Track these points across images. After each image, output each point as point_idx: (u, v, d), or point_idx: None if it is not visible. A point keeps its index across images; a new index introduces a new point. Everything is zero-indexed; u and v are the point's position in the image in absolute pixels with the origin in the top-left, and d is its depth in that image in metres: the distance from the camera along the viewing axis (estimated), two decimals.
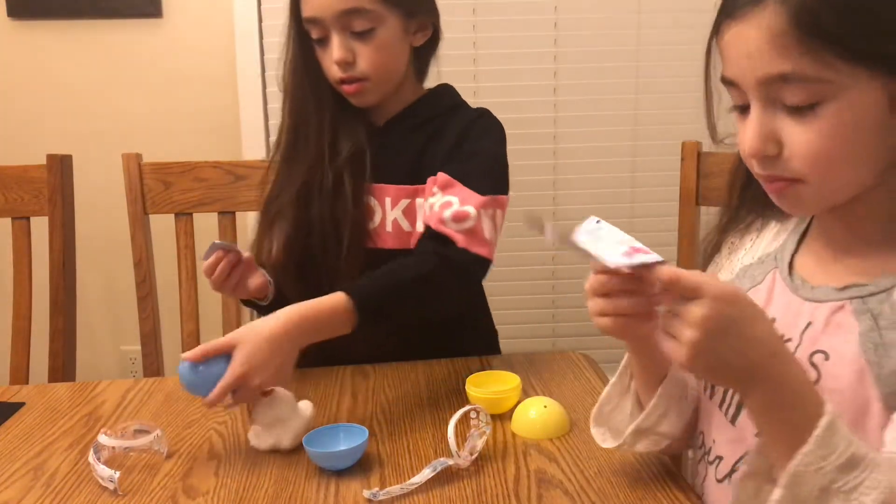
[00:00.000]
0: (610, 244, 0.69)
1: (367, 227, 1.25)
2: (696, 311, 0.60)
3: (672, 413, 0.84)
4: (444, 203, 1.15)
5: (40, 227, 1.47)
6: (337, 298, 1.03)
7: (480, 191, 1.15)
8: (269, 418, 0.97)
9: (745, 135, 0.68)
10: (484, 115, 1.28)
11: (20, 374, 1.44)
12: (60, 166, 1.45)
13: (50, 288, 1.46)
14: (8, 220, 1.47)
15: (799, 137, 0.65)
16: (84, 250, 1.61)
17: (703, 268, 0.90)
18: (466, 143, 1.23)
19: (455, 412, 0.94)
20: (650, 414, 0.84)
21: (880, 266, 0.69)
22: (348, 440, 0.94)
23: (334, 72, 1.21)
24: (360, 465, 0.92)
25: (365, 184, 1.24)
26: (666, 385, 0.83)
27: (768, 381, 0.61)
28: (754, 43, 0.64)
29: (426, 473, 0.88)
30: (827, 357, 0.70)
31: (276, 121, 2.28)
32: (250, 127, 2.32)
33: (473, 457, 0.91)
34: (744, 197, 0.83)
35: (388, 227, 1.25)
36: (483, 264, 1.16)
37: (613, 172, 2.29)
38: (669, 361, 0.80)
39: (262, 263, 1.26)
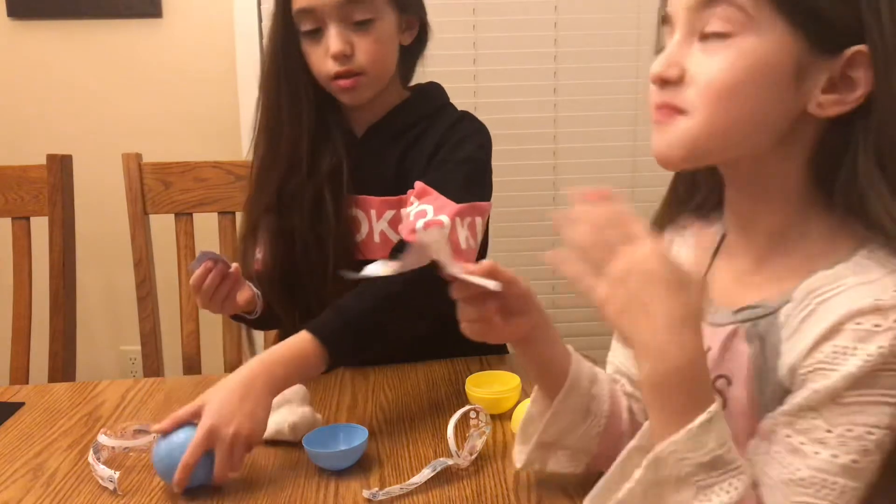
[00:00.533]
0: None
1: (354, 240, 1.22)
2: (638, 250, 0.60)
3: (580, 426, 0.81)
4: (418, 212, 1.11)
5: (40, 227, 1.47)
6: (303, 341, 0.97)
7: (457, 198, 1.11)
8: (278, 402, 0.97)
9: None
10: (464, 119, 1.24)
11: (20, 373, 1.44)
12: (60, 166, 1.45)
13: (50, 288, 1.46)
14: (8, 220, 1.47)
15: (703, 65, 0.64)
16: (84, 250, 1.61)
17: None
18: (444, 149, 1.19)
19: (455, 412, 0.94)
20: (549, 425, 0.81)
21: (775, 286, 0.68)
22: (348, 440, 0.94)
23: (329, 66, 1.14)
24: (360, 465, 0.92)
25: (347, 197, 1.20)
26: (565, 397, 0.79)
27: (677, 354, 0.59)
28: None
29: (426, 473, 0.88)
30: (728, 382, 0.70)
31: None
32: (250, 127, 2.29)
33: (473, 457, 0.91)
34: (672, 201, 0.82)
35: (377, 239, 1.23)
36: None
37: (613, 172, 2.29)
38: (565, 371, 0.79)
39: (249, 276, 1.22)
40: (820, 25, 0.61)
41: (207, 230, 1.55)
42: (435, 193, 1.12)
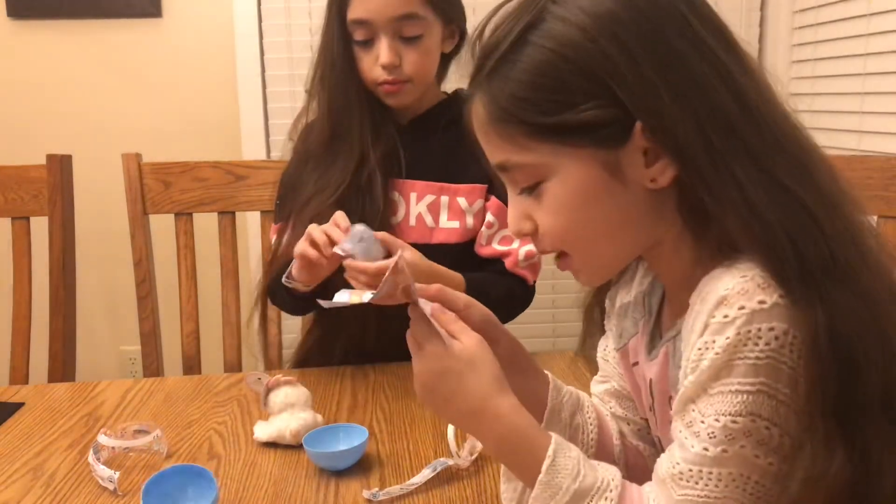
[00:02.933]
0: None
1: (391, 222, 1.27)
2: (416, 366, 0.70)
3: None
4: (503, 238, 1.28)
5: (40, 227, 1.47)
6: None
7: None
8: (281, 405, 0.98)
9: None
10: None
11: (20, 374, 1.44)
12: (60, 166, 1.45)
13: (50, 288, 1.46)
14: (8, 220, 1.47)
15: (539, 217, 0.67)
16: (84, 250, 1.61)
17: (588, 327, 0.87)
18: None
19: None
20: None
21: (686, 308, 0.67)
22: (348, 440, 0.94)
23: (377, 73, 1.23)
24: (360, 466, 0.92)
25: (391, 180, 1.27)
26: (547, 422, 0.78)
27: (485, 429, 0.67)
28: (479, 138, 0.69)
29: (426, 474, 0.88)
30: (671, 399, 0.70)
31: (276, 121, 2.30)
32: (250, 127, 2.32)
33: (473, 457, 0.91)
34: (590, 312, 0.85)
35: (412, 222, 1.29)
36: (533, 291, 1.33)
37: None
38: (544, 402, 0.79)
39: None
40: (596, 132, 0.62)
41: (207, 230, 1.55)
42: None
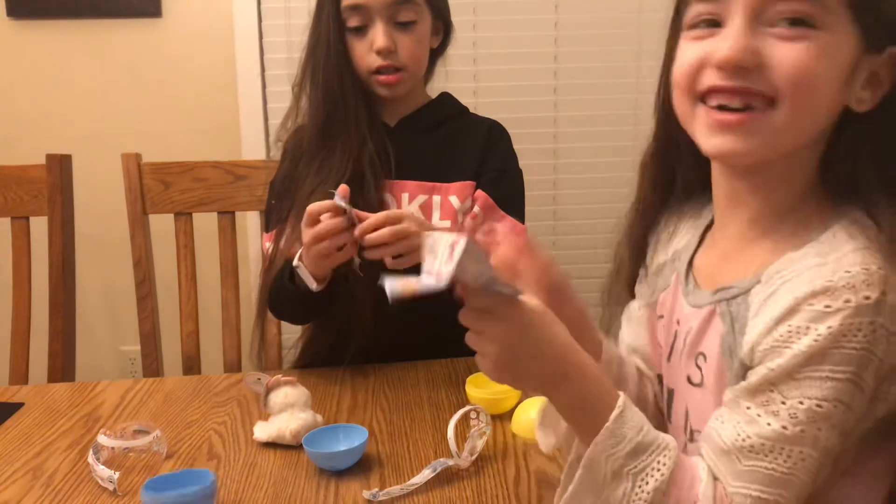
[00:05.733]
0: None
1: None
2: (494, 328, 0.64)
3: None
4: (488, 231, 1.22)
5: (40, 227, 1.47)
6: None
7: (521, 218, 1.31)
8: (281, 405, 0.99)
9: (717, 45, 0.66)
10: (503, 128, 1.37)
11: (19, 374, 1.44)
12: (60, 166, 1.45)
13: (49, 288, 1.45)
14: (7, 220, 1.47)
15: (787, 53, 0.64)
16: (84, 250, 1.61)
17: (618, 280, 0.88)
18: (494, 158, 1.31)
19: (455, 412, 0.94)
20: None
21: (750, 267, 0.70)
22: (348, 440, 0.94)
23: (371, 60, 1.23)
24: (360, 466, 0.92)
25: (382, 180, 1.27)
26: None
27: (564, 383, 0.66)
28: None
29: (426, 474, 0.88)
30: (705, 359, 0.73)
31: (275, 121, 2.28)
32: (250, 127, 2.32)
33: (473, 457, 0.91)
34: (655, 188, 0.83)
35: None
36: None
37: (613, 172, 2.29)
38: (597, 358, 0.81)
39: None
40: (879, 25, 0.64)
41: (207, 230, 1.55)
42: (501, 212, 1.28)
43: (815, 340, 0.60)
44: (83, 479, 0.92)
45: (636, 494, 0.64)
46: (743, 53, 0.64)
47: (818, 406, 0.61)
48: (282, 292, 1.21)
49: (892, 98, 0.64)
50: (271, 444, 0.98)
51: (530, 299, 0.66)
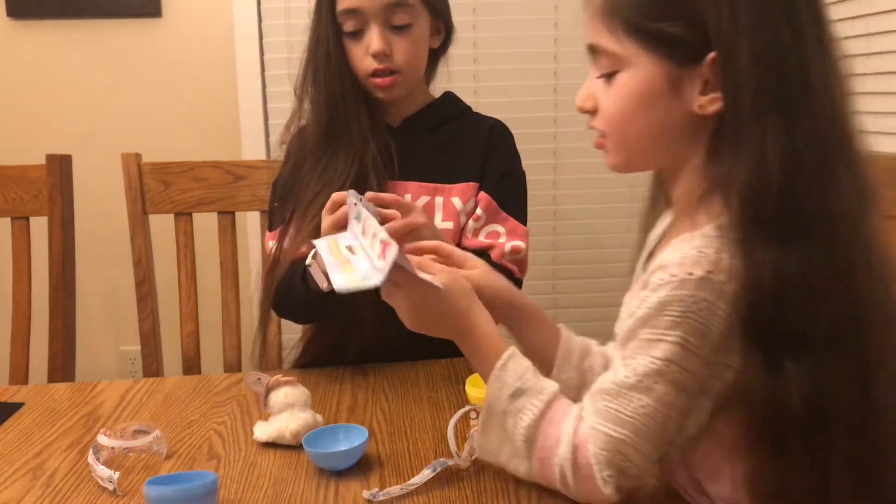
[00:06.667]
0: (370, 240, 0.87)
1: None
2: (402, 299, 0.84)
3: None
4: (490, 232, 1.30)
5: (40, 227, 1.47)
6: None
7: (522, 220, 1.32)
8: (281, 405, 0.99)
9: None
10: (505, 128, 1.37)
11: (19, 374, 1.44)
12: (60, 166, 1.45)
13: (49, 288, 1.46)
14: (8, 220, 1.47)
15: (603, 99, 0.80)
16: (84, 250, 1.61)
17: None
18: (496, 159, 1.31)
19: (455, 412, 0.94)
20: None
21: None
22: (348, 440, 0.94)
23: (367, 63, 1.23)
24: (360, 466, 0.92)
25: (386, 181, 1.27)
26: (558, 372, 0.92)
27: (463, 338, 0.85)
28: (588, 21, 0.81)
29: (426, 474, 0.88)
30: None
31: (275, 121, 2.30)
32: (250, 127, 2.32)
33: (473, 457, 0.91)
34: (651, 191, 0.93)
35: None
36: (521, 285, 1.32)
37: (613, 172, 2.29)
38: (554, 353, 0.94)
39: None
40: (676, 49, 0.74)
41: (207, 230, 1.55)
42: (503, 214, 1.30)
43: (650, 307, 0.73)
44: (83, 479, 0.92)
45: (517, 428, 0.80)
46: (582, 101, 0.82)
47: (651, 363, 0.73)
48: (291, 293, 1.21)
49: (726, 100, 0.72)
50: (271, 444, 0.98)
51: (440, 282, 0.83)
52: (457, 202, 1.29)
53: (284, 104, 2.27)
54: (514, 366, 0.82)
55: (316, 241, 0.98)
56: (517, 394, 0.80)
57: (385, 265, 0.79)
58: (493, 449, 0.84)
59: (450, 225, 1.29)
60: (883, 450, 0.74)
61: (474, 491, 0.87)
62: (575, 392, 0.87)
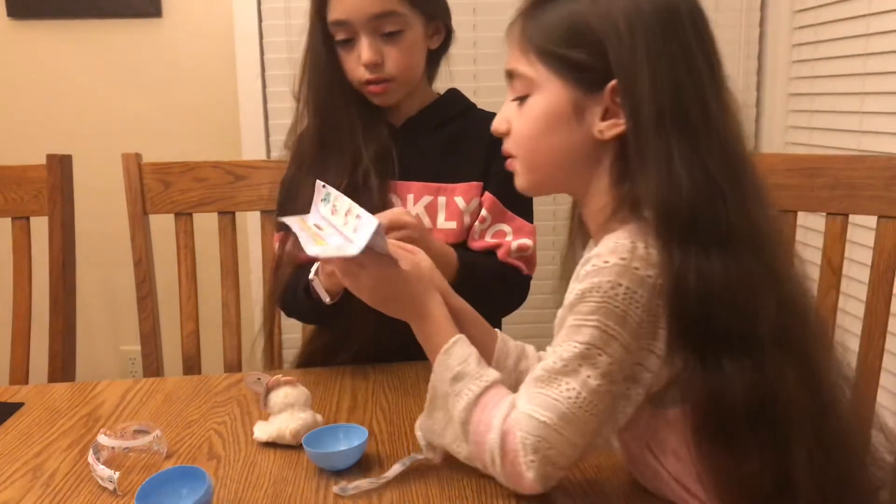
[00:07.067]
0: (342, 218, 0.91)
1: None
2: (363, 279, 0.89)
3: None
4: (497, 232, 1.30)
5: (40, 227, 1.47)
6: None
7: (529, 217, 1.31)
8: (281, 405, 0.99)
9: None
10: None
11: (19, 374, 1.44)
12: (60, 166, 1.45)
13: (50, 288, 1.46)
14: (8, 220, 1.47)
15: (515, 121, 0.85)
16: (84, 250, 1.61)
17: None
18: (500, 158, 1.29)
19: None
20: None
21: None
22: (348, 440, 0.94)
23: (360, 73, 1.24)
24: (360, 466, 0.92)
25: (387, 182, 1.27)
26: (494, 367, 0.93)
27: (416, 321, 0.89)
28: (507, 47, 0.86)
29: (396, 469, 0.89)
30: None
31: (276, 121, 2.30)
32: (250, 127, 2.32)
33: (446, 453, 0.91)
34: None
35: None
36: (530, 282, 1.34)
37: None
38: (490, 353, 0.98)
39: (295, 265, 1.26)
40: (581, 74, 0.79)
41: (207, 230, 1.55)
42: (509, 213, 1.30)
43: (574, 295, 0.77)
44: (83, 479, 0.93)
45: (455, 411, 0.84)
46: (498, 125, 0.87)
47: (574, 347, 0.76)
48: (296, 303, 1.24)
49: (628, 121, 0.76)
50: (271, 444, 0.99)
51: (403, 266, 0.88)
52: (460, 202, 1.29)
53: (284, 104, 2.27)
54: (459, 350, 0.86)
55: (286, 219, 0.99)
56: (458, 377, 0.84)
57: (363, 236, 0.83)
58: (438, 430, 0.88)
59: (453, 225, 1.29)
60: (844, 440, 0.77)
61: (474, 491, 0.87)
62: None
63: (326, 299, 1.14)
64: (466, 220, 1.30)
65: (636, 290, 0.74)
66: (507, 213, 1.30)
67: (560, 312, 0.80)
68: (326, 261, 0.92)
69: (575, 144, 0.81)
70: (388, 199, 1.28)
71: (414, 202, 1.29)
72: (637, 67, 0.75)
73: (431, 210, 1.29)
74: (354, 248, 0.83)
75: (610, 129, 0.79)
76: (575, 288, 0.77)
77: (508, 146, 0.87)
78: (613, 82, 0.77)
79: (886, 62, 1.77)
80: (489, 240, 1.30)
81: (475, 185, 1.30)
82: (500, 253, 1.28)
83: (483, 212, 1.29)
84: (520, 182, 0.88)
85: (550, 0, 0.81)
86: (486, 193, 1.29)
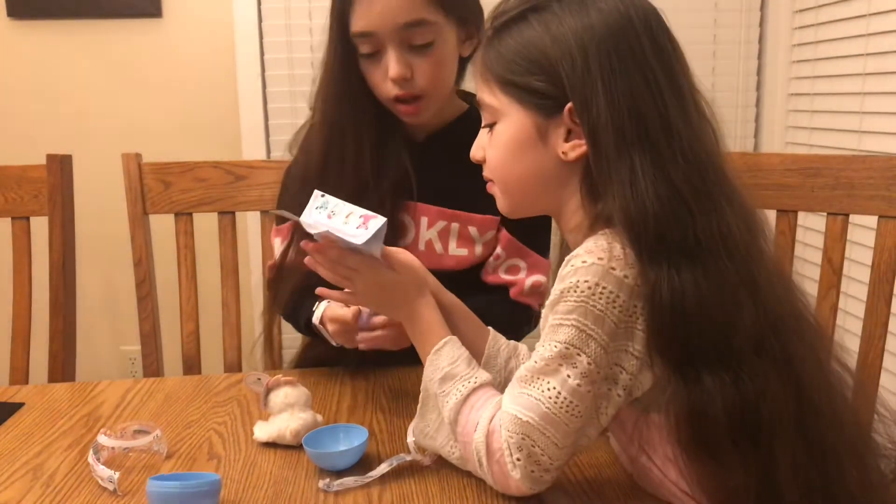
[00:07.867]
0: (342, 219, 0.92)
1: (399, 245, 1.18)
2: (359, 284, 0.93)
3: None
4: (511, 267, 1.26)
5: (40, 227, 1.47)
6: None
7: (545, 252, 1.25)
8: (281, 405, 0.99)
9: None
10: None
11: (20, 374, 1.44)
12: (60, 166, 1.45)
13: (50, 288, 1.46)
14: (8, 220, 1.47)
15: (488, 148, 0.88)
16: (84, 250, 1.61)
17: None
18: None
19: None
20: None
21: None
22: (348, 440, 0.94)
23: (388, 88, 1.14)
24: (360, 466, 0.92)
25: (405, 202, 1.22)
26: (484, 366, 0.96)
27: (408, 322, 0.93)
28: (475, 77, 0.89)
29: (382, 468, 0.89)
30: None
31: (276, 121, 2.30)
32: (250, 127, 2.32)
33: (437, 454, 0.91)
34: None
35: (421, 247, 1.24)
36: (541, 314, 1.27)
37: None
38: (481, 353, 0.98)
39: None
40: (540, 100, 0.80)
41: (207, 230, 1.55)
42: (525, 248, 1.25)
43: (554, 295, 0.78)
44: (83, 479, 0.93)
45: (445, 410, 0.85)
46: (475, 152, 0.90)
47: (554, 346, 0.77)
48: (298, 328, 1.24)
49: (588, 142, 0.78)
50: (271, 444, 0.99)
51: (396, 271, 0.92)
52: (473, 231, 1.24)
53: (284, 104, 2.27)
54: (449, 351, 0.88)
55: (283, 212, 0.98)
56: (447, 378, 0.86)
57: (372, 228, 0.87)
58: (430, 433, 0.89)
59: (465, 252, 1.25)
60: (830, 448, 0.77)
61: (474, 491, 0.86)
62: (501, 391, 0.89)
63: (333, 342, 1.14)
64: (478, 249, 1.25)
65: (613, 291, 0.75)
66: (522, 248, 1.25)
67: (544, 312, 0.81)
68: (326, 238, 0.91)
69: (543, 167, 0.83)
70: (402, 221, 1.23)
71: (428, 226, 1.24)
72: (590, 88, 0.76)
73: (444, 236, 1.24)
74: (362, 237, 0.86)
75: (573, 150, 0.80)
76: (556, 288, 0.78)
77: (485, 172, 0.89)
78: (570, 105, 0.78)
79: (886, 62, 1.77)
80: (503, 275, 1.26)
81: (492, 220, 1.23)
82: (513, 292, 1.24)
83: (498, 249, 1.25)
84: (500, 205, 0.90)
85: (507, 28, 0.82)
86: (503, 231, 1.24)
